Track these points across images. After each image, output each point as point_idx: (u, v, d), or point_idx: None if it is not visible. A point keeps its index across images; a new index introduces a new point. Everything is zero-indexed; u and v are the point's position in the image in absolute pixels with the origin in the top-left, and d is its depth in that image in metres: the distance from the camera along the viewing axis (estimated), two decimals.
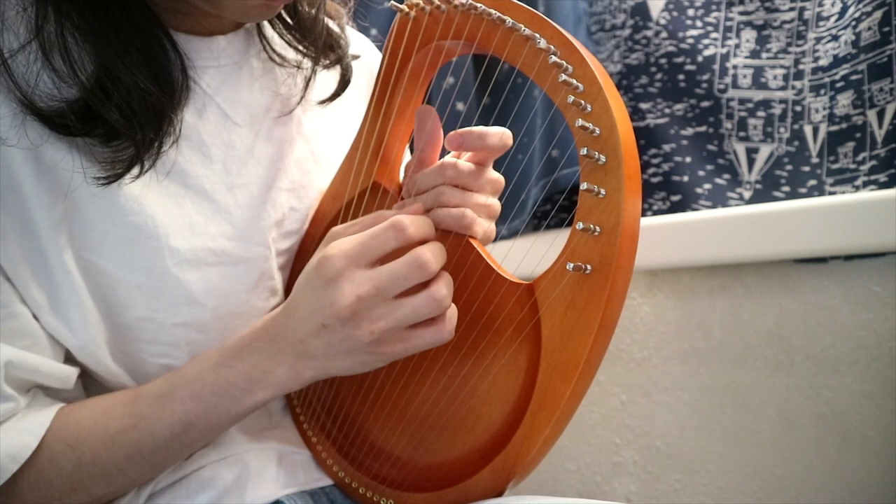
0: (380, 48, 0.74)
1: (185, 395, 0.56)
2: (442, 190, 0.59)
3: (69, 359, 0.58)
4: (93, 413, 0.57)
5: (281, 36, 0.66)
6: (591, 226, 0.50)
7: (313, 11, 0.66)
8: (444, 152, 0.62)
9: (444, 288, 0.51)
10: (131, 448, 0.56)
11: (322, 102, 0.68)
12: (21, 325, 0.54)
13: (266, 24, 0.66)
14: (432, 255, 0.51)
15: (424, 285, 0.51)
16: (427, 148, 0.61)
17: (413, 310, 0.51)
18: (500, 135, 0.58)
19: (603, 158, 0.50)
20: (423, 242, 0.52)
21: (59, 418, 0.56)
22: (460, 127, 0.60)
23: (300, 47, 0.66)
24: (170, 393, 0.56)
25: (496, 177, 0.61)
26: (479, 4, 0.53)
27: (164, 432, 0.56)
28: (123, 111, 0.53)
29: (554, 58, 0.50)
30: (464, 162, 0.59)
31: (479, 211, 0.60)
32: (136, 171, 0.55)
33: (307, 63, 0.67)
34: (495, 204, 0.62)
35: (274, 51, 0.66)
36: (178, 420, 0.55)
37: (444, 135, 0.60)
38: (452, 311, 0.53)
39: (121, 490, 0.59)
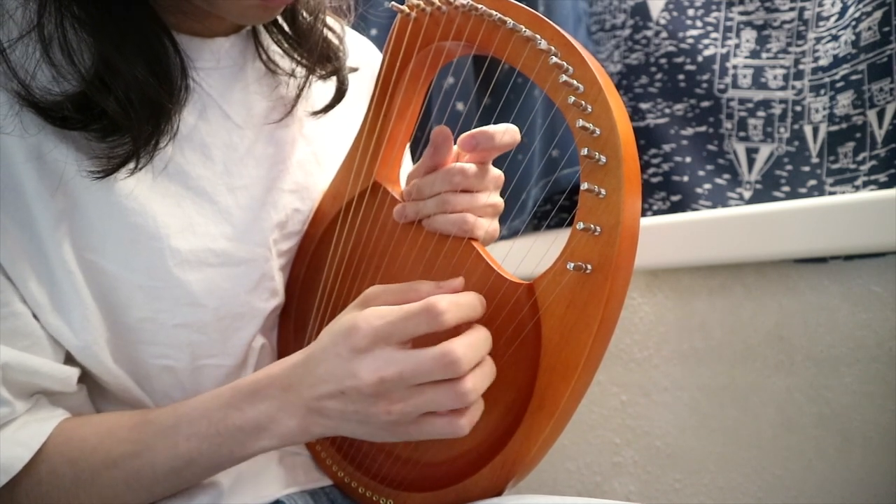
0: (380, 49, 0.74)
1: (191, 433, 0.54)
2: (445, 198, 0.58)
3: (70, 360, 0.58)
4: (97, 431, 0.56)
5: (277, 44, 0.66)
6: (592, 226, 0.50)
7: (311, 20, 0.66)
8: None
9: (470, 384, 0.49)
10: (131, 475, 0.55)
11: (315, 114, 0.68)
12: (21, 324, 0.54)
13: (263, 30, 0.66)
14: (464, 351, 0.48)
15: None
16: (437, 166, 0.61)
17: (432, 400, 0.49)
18: (509, 132, 0.57)
19: (603, 159, 0.50)
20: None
21: (63, 432, 0.56)
22: (460, 127, 0.60)
23: (295, 56, 0.66)
24: (175, 427, 0.55)
25: (497, 174, 0.62)
26: (479, 5, 0.53)
27: (166, 466, 0.55)
28: (122, 102, 0.53)
29: (554, 59, 0.50)
30: (469, 165, 0.59)
31: (485, 211, 0.60)
32: (131, 165, 0.54)
33: (302, 72, 0.66)
34: (499, 201, 0.62)
35: (269, 58, 0.66)
36: (181, 455, 0.54)
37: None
38: (478, 406, 0.52)
39: None
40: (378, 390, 0.48)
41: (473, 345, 0.49)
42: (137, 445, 0.55)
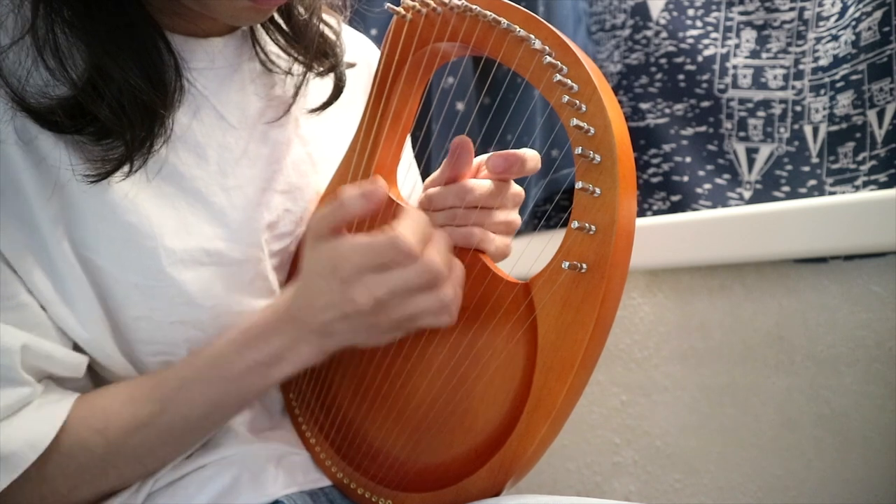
0: (378, 49, 0.74)
1: (214, 377, 0.57)
2: (455, 213, 0.60)
3: (78, 350, 0.59)
4: (118, 399, 0.58)
5: (274, 41, 0.66)
6: (587, 224, 0.50)
7: (307, 16, 0.66)
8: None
9: (450, 290, 0.54)
10: (164, 430, 0.57)
11: (313, 111, 0.68)
12: (29, 314, 0.55)
13: (259, 28, 0.66)
14: (441, 259, 0.53)
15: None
16: (457, 178, 0.62)
17: (423, 308, 0.53)
18: (536, 158, 0.60)
19: (598, 158, 0.50)
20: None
21: (82, 406, 0.57)
22: (459, 126, 0.60)
23: (292, 52, 0.66)
24: (197, 376, 0.58)
25: (518, 190, 0.62)
26: (474, 6, 0.53)
27: (195, 413, 0.57)
28: (114, 109, 0.53)
29: (549, 58, 0.51)
30: (485, 182, 0.60)
31: (497, 228, 0.60)
32: (125, 169, 0.55)
33: (299, 69, 0.66)
34: (515, 219, 0.63)
35: (266, 56, 0.66)
36: (210, 400, 0.57)
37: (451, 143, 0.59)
38: (457, 297, 0.56)
39: (152, 471, 0.60)
40: (375, 307, 0.53)
41: (443, 249, 0.54)
42: (162, 403, 0.57)
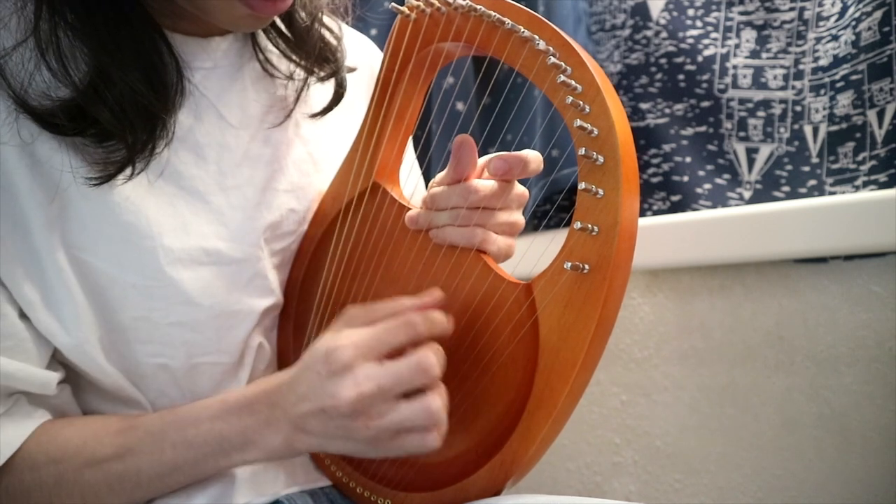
0: (380, 49, 0.74)
1: (178, 440, 0.56)
2: (457, 213, 0.58)
3: (59, 361, 0.58)
4: (82, 433, 0.57)
5: (275, 45, 0.66)
6: (589, 225, 0.50)
7: (309, 21, 0.66)
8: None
9: (439, 400, 0.51)
10: (113, 478, 0.56)
11: (314, 116, 0.68)
12: (5, 325, 0.54)
13: (261, 32, 0.66)
14: (438, 360, 0.51)
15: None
16: (462, 177, 0.60)
17: (407, 417, 0.51)
18: (539, 160, 0.59)
19: (601, 159, 0.50)
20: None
21: (46, 432, 0.56)
22: (460, 127, 0.60)
23: (294, 57, 0.66)
24: (162, 432, 0.56)
25: (522, 191, 0.61)
26: (478, 6, 0.53)
27: (150, 471, 0.56)
28: (115, 112, 0.53)
29: (553, 59, 0.51)
30: (489, 183, 0.59)
31: (501, 228, 0.60)
32: (127, 172, 0.55)
33: (300, 74, 0.66)
34: (518, 220, 0.62)
35: (267, 60, 0.65)
36: (167, 462, 0.56)
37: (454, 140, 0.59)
38: (444, 422, 0.53)
39: None
40: (356, 408, 0.50)
41: (441, 352, 0.52)
42: (122, 449, 0.56)
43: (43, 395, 0.58)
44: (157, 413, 0.58)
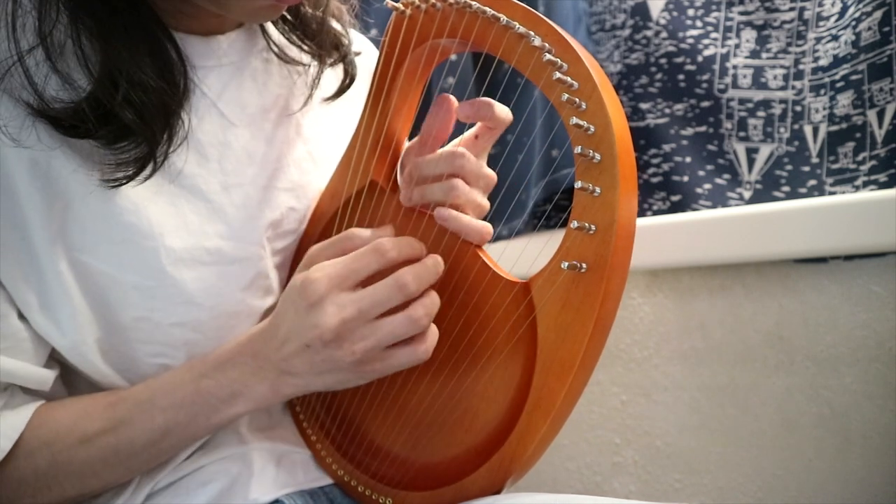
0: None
1: (166, 404, 0.56)
2: (453, 183, 0.58)
3: (55, 358, 0.59)
4: (71, 413, 0.57)
5: (286, 37, 0.66)
6: (586, 224, 0.50)
7: (318, 11, 0.66)
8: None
9: (420, 309, 0.53)
10: (108, 451, 0.56)
11: (327, 100, 0.69)
12: (4, 326, 0.54)
13: (270, 25, 0.66)
14: (413, 277, 0.53)
15: (405, 305, 0.53)
16: (431, 138, 0.61)
17: (391, 330, 0.52)
18: (505, 110, 0.59)
19: (598, 156, 0.50)
20: (406, 262, 0.54)
21: (38, 416, 0.57)
22: (458, 125, 0.60)
23: (304, 46, 0.66)
24: (150, 399, 0.57)
25: (490, 173, 0.62)
26: (473, 2, 0.53)
27: (143, 438, 0.56)
28: (137, 109, 0.53)
29: (548, 55, 0.50)
30: (470, 153, 0.59)
31: (474, 211, 0.60)
32: (147, 171, 0.55)
33: (312, 62, 0.67)
34: (485, 203, 0.62)
35: (282, 51, 0.66)
36: (158, 427, 0.56)
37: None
38: (433, 332, 0.55)
39: (94, 491, 0.59)
40: (340, 333, 0.51)
41: (420, 271, 0.53)
42: (113, 422, 0.56)
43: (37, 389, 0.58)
44: (143, 383, 0.58)
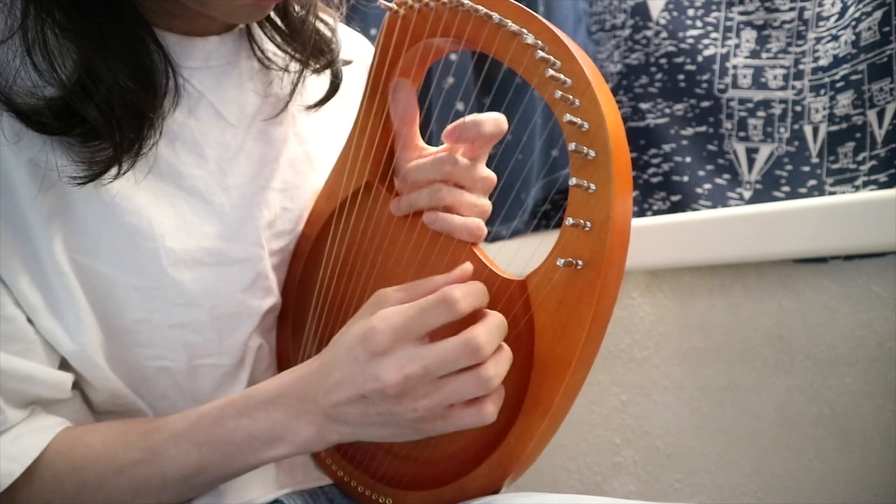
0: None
1: (203, 439, 0.54)
2: (438, 187, 0.58)
3: (65, 367, 0.57)
4: (104, 438, 0.56)
5: (271, 39, 0.66)
6: (582, 221, 0.50)
7: (303, 13, 0.66)
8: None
9: (492, 368, 0.49)
10: (139, 482, 0.54)
11: (310, 108, 0.68)
12: (13, 329, 0.53)
13: (256, 26, 0.66)
14: (486, 340, 0.49)
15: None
16: (403, 125, 0.61)
17: (457, 390, 0.49)
18: (494, 120, 0.57)
19: (592, 153, 0.49)
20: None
21: (67, 438, 0.55)
22: None
23: (289, 50, 0.66)
24: (187, 433, 0.54)
25: (488, 174, 0.61)
26: (465, 1, 0.53)
27: (176, 473, 0.54)
28: (102, 110, 0.52)
29: (541, 53, 0.50)
30: (460, 157, 0.59)
31: (472, 211, 0.59)
32: (113, 171, 0.54)
33: (295, 66, 0.66)
34: (486, 204, 0.61)
35: (263, 53, 0.65)
36: (193, 462, 0.54)
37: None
38: (500, 392, 0.52)
39: None
40: (402, 389, 0.48)
41: (492, 329, 0.50)
42: (146, 452, 0.54)
43: (58, 401, 0.57)
44: (180, 413, 0.56)
